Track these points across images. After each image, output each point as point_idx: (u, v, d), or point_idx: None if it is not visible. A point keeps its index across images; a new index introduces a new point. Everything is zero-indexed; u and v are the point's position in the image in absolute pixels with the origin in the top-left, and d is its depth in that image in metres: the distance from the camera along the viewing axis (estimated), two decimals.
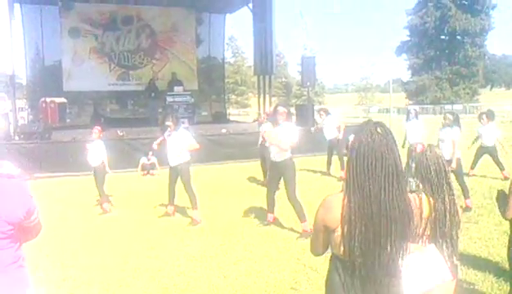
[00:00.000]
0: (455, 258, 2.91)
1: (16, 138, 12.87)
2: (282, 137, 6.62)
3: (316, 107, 19.97)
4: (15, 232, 2.19)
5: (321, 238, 2.21)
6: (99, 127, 8.60)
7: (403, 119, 10.87)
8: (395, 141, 2.09)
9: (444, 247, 2.85)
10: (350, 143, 2.19)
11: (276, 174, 6.93)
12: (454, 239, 2.92)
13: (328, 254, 2.32)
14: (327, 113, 11.89)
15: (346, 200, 2.06)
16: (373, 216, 2.01)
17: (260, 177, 10.63)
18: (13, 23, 15.51)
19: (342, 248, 2.07)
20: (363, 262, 2.04)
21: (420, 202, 2.79)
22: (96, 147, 8.33)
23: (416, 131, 10.32)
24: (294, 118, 8.05)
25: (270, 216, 7.07)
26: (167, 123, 7.53)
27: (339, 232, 2.06)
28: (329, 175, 11.25)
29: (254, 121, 12.64)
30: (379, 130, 2.08)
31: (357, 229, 2.02)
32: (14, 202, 2.14)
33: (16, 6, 16.92)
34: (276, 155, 6.77)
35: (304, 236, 6.30)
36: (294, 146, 6.73)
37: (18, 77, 20.62)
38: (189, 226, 7.15)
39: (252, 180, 10.85)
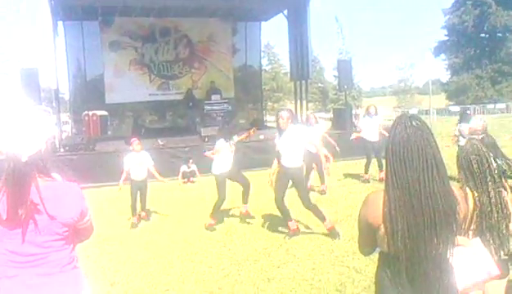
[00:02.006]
0: (502, 253, 2.83)
1: (62, 150, 13.29)
2: (293, 141, 6.53)
3: (359, 110, 19.71)
4: (70, 233, 2.27)
5: (366, 237, 2.21)
6: (136, 139, 8.43)
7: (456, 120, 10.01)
8: (432, 133, 2.08)
9: (491, 240, 2.78)
10: (387, 139, 2.19)
11: (285, 179, 6.72)
12: (503, 233, 2.83)
13: (373, 256, 2.32)
14: (376, 111, 11.25)
15: (386, 196, 2.05)
16: (414, 209, 2.00)
17: None
18: (57, 40, 16.07)
19: (387, 244, 2.06)
20: (409, 257, 2.02)
21: (465, 196, 2.74)
22: (142, 158, 8.23)
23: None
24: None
25: (292, 224, 6.78)
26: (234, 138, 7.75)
27: (382, 229, 2.06)
28: (368, 178, 10.94)
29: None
30: (413, 123, 2.07)
31: (399, 223, 2.00)
32: (68, 204, 2.22)
33: (59, 23, 17.52)
34: (287, 160, 6.59)
35: (333, 235, 6.45)
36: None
37: (61, 92, 21.32)
38: (231, 232, 7.20)
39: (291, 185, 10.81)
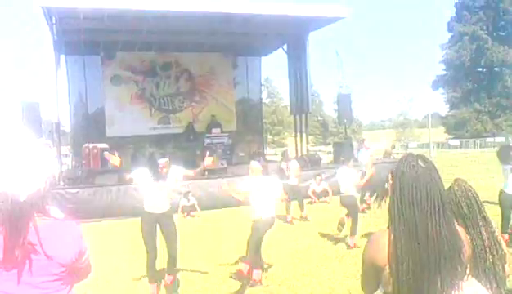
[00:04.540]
0: None
1: (61, 183, 13.22)
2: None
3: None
4: (67, 274, 2.21)
5: (370, 277, 2.15)
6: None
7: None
8: (438, 173, 2.05)
9: (488, 284, 2.70)
10: (392, 177, 2.16)
11: (153, 226, 5.94)
12: (499, 275, 2.76)
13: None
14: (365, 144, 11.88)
15: (392, 236, 2.01)
16: (421, 251, 1.95)
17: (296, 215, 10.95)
18: (59, 73, 16.21)
19: (391, 286, 2.01)
20: None
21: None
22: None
23: None
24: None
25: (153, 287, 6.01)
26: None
27: (387, 269, 2.01)
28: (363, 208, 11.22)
29: (281, 160, 12.77)
30: (420, 162, 2.05)
31: (404, 264, 1.96)
32: (66, 244, 2.17)
33: (62, 57, 17.70)
34: (156, 205, 5.92)
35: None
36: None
37: (62, 125, 21.38)
38: (230, 267, 7.07)
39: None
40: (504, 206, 6.87)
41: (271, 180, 6.51)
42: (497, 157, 7.25)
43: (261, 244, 6.34)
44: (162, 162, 5.78)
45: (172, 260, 6.02)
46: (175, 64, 19.73)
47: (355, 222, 8.14)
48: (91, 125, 18.68)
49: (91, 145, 17.56)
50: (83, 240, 2.27)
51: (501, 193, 7.01)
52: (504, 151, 7.28)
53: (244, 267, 6.15)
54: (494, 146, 41.15)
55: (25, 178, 2.08)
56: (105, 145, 18.45)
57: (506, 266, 2.79)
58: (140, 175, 5.90)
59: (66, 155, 22.12)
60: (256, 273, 6.22)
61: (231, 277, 6.40)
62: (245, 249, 6.27)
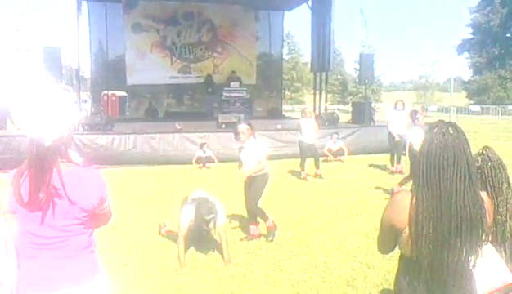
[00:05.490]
0: None
1: (80, 129, 13.39)
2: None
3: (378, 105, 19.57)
4: (89, 218, 2.29)
5: (388, 238, 2.19)
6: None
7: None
8: (468, 142, 2.05)
9: (502, 251, 2.74)
10: (421, 142, 2.16)
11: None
12: None
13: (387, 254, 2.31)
14: (404, 106, 11.71)
15: (415, 199, 2.03)
16: (442, 217, 1.98)
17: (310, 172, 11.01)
18: (80, 19, 16.16)
19: (409, 248, 2.05)
20: (431, 263, 2.01)
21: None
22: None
23: None
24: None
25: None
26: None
27: (406, 232, 2.04)
28: (396, 171, 11.12)
29: (300, 118, 12.67)
30: (451, 130, 2.04)
31: (424, 229, 1.98)
32: (89, 190, 2.23)
33: (84, 3, 17.64)
34: None
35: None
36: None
37: (82, 71, 21.51)
38: (245, 221, 7.17)
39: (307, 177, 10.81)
40: None
41: (259, 142, 6.52)
42: None
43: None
44: (208, 217, 5.55)
45: None
46: (197, 14, 19.53)
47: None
48: (111, 72, 18.75)
49: (109, 93, 17.65)
50: (105, 187, 2.33)
51: None
52: None
53: (253, 229, 6.41)
54: None
55: (50, 125, 2.12)
56: (123, 93, 18.56)
57: None
58: None
59: (85, 101, 22.34)
60: (253, 229, 6.42)
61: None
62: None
